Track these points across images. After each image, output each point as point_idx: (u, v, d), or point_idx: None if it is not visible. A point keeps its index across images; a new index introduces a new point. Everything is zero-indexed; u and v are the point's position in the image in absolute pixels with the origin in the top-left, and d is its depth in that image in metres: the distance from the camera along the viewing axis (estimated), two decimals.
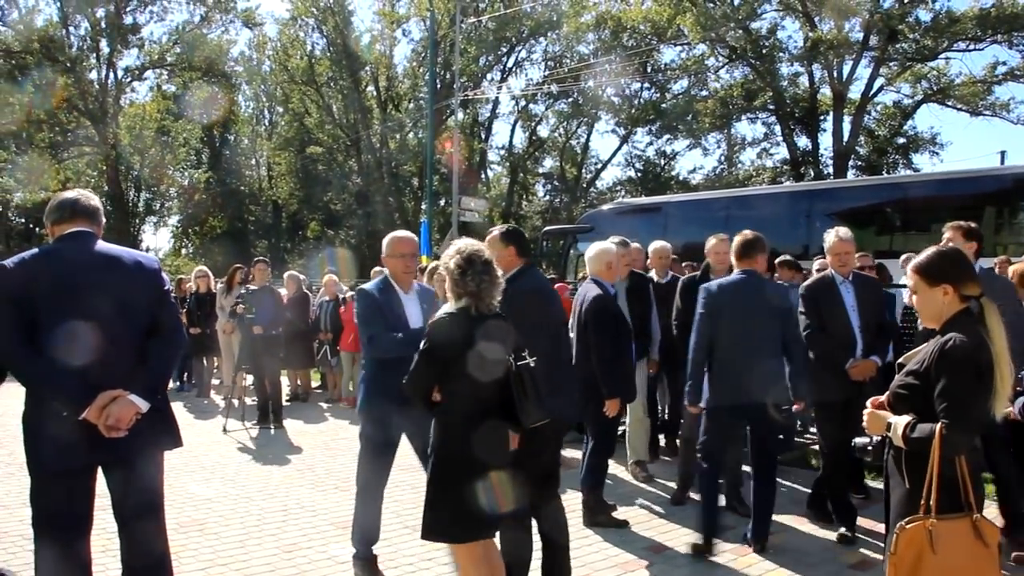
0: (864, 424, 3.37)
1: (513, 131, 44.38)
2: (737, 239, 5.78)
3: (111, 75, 40.27)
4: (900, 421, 3.19)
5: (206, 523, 6.20)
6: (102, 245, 3.80)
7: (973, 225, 5.73)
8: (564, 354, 4.99)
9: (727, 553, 5.58)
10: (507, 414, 3.91)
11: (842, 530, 5.85)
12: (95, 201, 3.91)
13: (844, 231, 6.06)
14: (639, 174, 43.78)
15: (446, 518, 3.88)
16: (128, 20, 39.47)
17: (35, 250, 3.75)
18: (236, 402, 10.85)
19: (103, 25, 38.76)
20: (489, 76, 42.27)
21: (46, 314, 3.52)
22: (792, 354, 5.68)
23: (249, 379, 11.34)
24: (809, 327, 5.97)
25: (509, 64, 42.43)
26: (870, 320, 5.98)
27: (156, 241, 50.50)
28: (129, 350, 3.68)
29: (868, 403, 3.42)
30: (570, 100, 41.17)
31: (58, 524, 3.61)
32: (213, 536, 5.91)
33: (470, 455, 3.83)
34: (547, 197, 47.52)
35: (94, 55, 39.64)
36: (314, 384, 13.77)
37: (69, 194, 3.87)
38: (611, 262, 6.42)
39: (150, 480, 3.80)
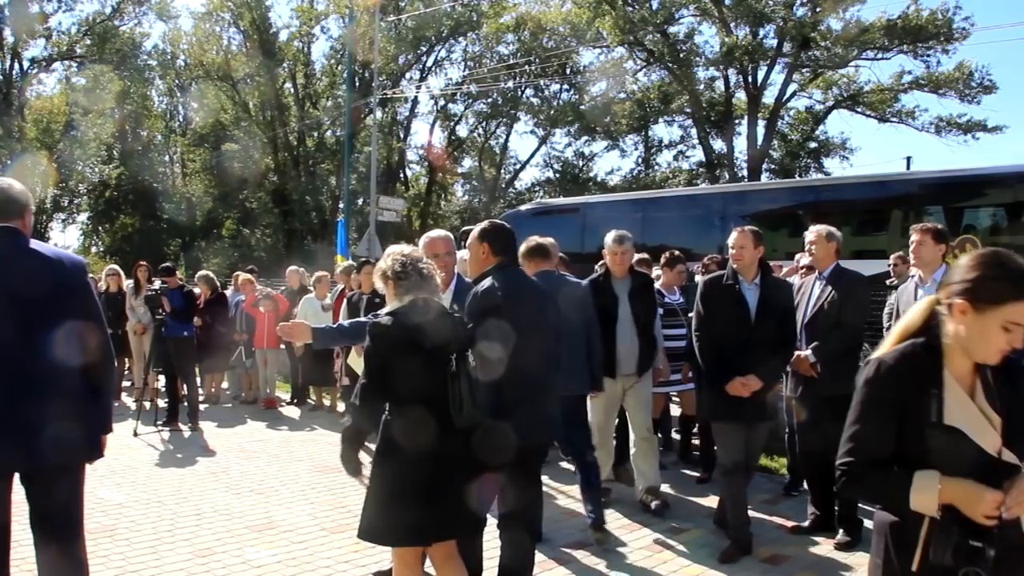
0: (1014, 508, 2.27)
1: (432, 131, 44.33)
2: (525, 246, 5.87)
3: (16, 66, 39.03)
4: None
5: (116, 529, 6.04)
6: (36, 244, 3.59)
7: (941, 227, 5.70)
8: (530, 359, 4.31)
9: (642, 550, 5.67)
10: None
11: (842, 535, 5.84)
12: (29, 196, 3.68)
13: (814, 227, 5.99)
14: (557, 175, 44.06)
15: (380, 521, 3.82)
16: (35, 8, 38.24)
17: None
18: (148, 404, 10.61)
19: (7, 12, 37.49)
20: (408, 75, 42.12)
21: None
22: (591, 348, 5.92)
23: (161, 380, 11.11)
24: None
25: (428, 63, 42.41)
26: (823, 315, 5.78)
27: (65, 239, 48.82)
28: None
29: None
30: (489, 100, 41.24)
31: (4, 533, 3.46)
32: (124, 542, 5.76)
33: (415, 456, 3.76)
34: (466, 197, 47.53)
35: None
36: (223, 385, 13.53)
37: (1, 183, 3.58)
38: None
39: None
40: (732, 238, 5.65)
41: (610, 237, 6.72)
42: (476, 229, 4.61)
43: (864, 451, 2.44)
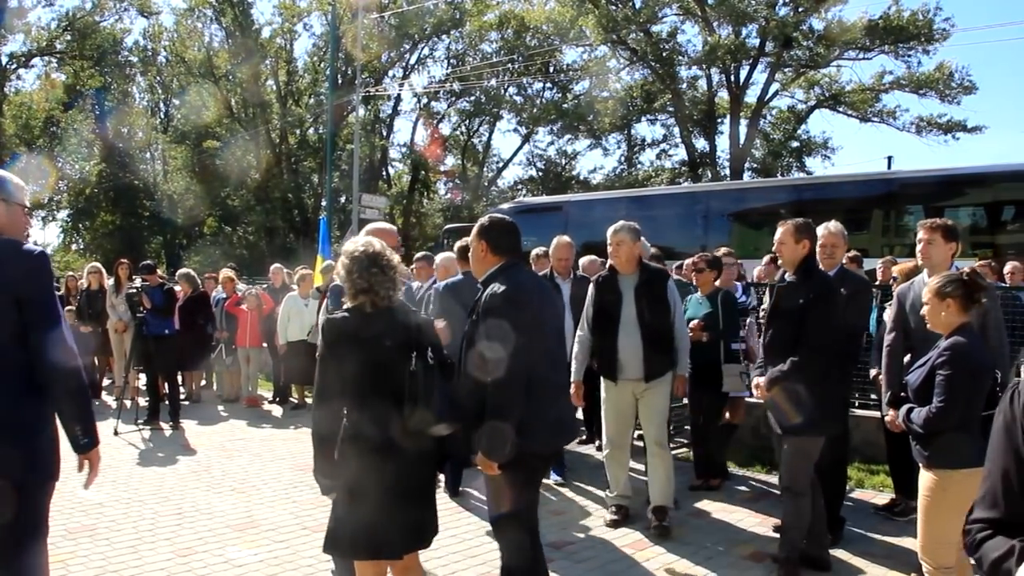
0: None
1: (415, 128, 44.24)
2: (458, 244, 6.17)
3: None
4: None
5: (96, 528, 6.01)
6: None
7: (951, 223, 5.21)
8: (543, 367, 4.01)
9: (625, 548, 5.68)
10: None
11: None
12: None
13: (834, 225, 5.88)
14: (540, 173, 44.09)
15: (345, 534, 3.65)
16: (13, 3, 37.90)
17: None
18: (128, 402, 10.55)
19: None
20: (391, 72, 42.00)
21: None
22: None
23: (142, 379, 11.05)
24: None
25: (412, 61, 42.30)
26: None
27: (45, 236, 48.44)
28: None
29: None
30: (472, 98, 41.21)
31: None
32: (104, 542, 5.73)
33: (369, 457, 3.59)
34: (448, 195, 47.41)
35: None
36: (212, 385, 13.47)
37: None
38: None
39: None
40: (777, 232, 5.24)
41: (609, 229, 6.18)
42: (477, 224, 4.25)
43: (1013, 503, 1.79)
